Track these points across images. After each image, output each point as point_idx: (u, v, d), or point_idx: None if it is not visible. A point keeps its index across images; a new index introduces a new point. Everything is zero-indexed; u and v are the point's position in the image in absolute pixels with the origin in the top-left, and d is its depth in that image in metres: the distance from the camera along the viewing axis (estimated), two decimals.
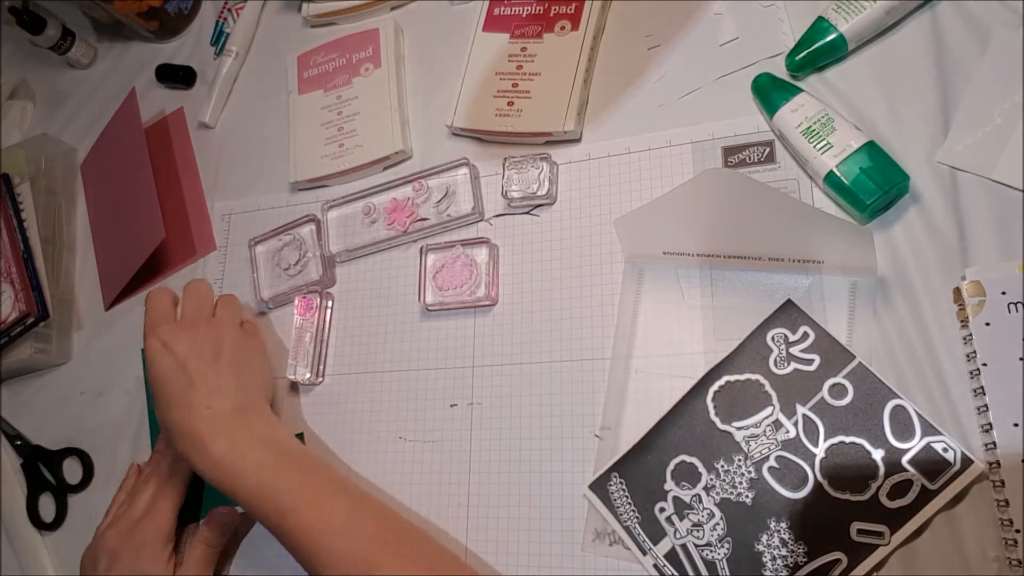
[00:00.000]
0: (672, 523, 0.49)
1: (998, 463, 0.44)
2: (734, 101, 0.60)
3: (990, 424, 0.45)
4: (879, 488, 0.46)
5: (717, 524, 0.48)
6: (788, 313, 0.52)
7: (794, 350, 0.50)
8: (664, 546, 0.49)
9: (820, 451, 0.48)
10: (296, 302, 0.68)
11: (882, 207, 0.53)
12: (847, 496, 0.47)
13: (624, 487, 0.52)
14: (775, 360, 0.51)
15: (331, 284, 0.70)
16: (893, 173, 0.51)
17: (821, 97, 0.56)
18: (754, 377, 0.51)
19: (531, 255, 0.63)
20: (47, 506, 0.76)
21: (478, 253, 0.64)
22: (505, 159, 0.64)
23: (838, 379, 0.49)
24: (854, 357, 0.49)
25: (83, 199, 0.90)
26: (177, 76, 0.87)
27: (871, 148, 0.52)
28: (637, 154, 0.62)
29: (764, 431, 0.49)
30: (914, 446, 0.46)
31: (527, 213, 0.64)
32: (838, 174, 0.52)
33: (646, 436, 0.53)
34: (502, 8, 0.70)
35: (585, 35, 0.65)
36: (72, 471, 0.76)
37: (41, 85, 1.00)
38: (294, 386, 0.68)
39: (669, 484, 0.51)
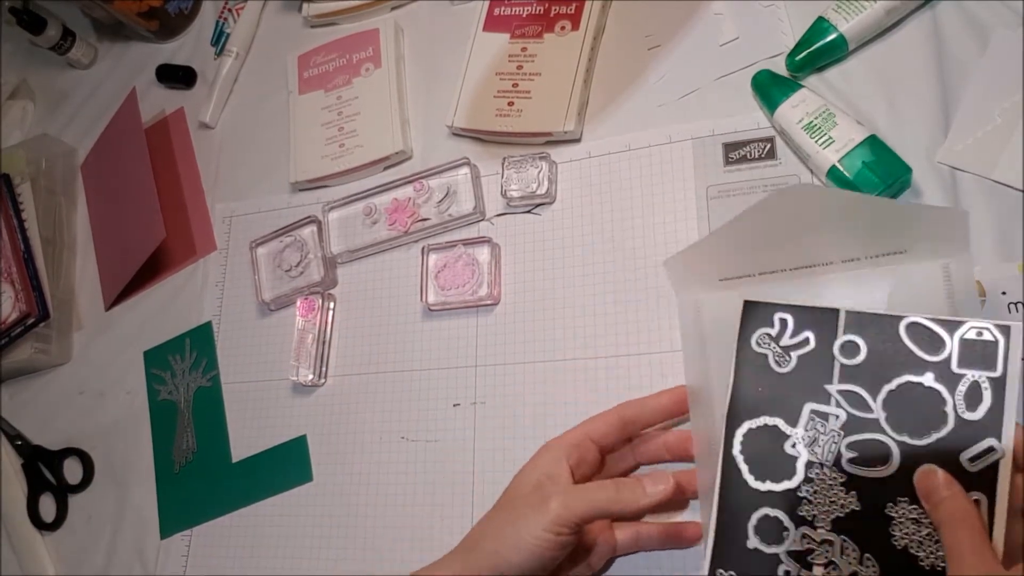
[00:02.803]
0: (809, 568, 0.43)
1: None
2: (734, 101, 0.60)
3: None
4: (955, 409, 0.42)
5: (846, 548, 0.42)
6: (754, 312, 0.47)
7: (785, 341, 0.46)
8: None
9: (879, 412, 0.43)
10: (298, 304, 0.68)
11: None
12: (934, 436, 0.42)
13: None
14: (775, 361, 0.47)
15: (333, 285, 0.70)
16: (896, 166, 0.51)
17: (821, 97, 0.56)
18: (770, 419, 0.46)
19: (533, 254, 0.63)
20: (47, 506, 0.76)
21: (480, 252, 0.64)
22: (504, 159, 0.64)
23: (841, 339, 0.45)
24: (838, 310, 0.46)
25: (83, 199, 0.90)
26: (177, 76, 0.87)
27: (873, 142, 0.52)
28: (637, 151, 0.62)
29: (816, 432, 0.44)
30: (952, 349, 0.42)
31: (528, 212, 0.64)
32: (840, 168, 0.52)
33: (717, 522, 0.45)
34: (502, 8, 0.70)
35: (585, 35, 0.65)
36: (72, 471, 0.76)
37: (41, 85, 1.00)
38: (297, 388, 0.68)
39: (774, 549, 0.44)
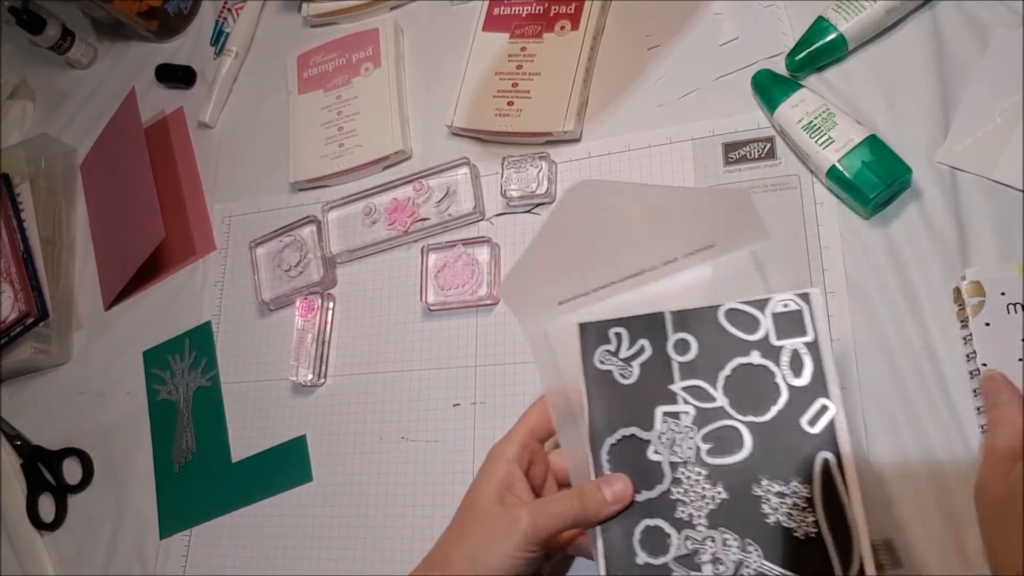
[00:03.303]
0: (698, 569, 0.43)
1: None
2: (734, 101, 0.60)
3: None
4: (784, 379, 0.44)
5: (727, 540, 0.43)
6: (590, 332, 0.48)
7: (623, 353, 0.47)
8: None
9: (722, 399, 0.45)
10: (297, 304, 0.68)
11: (884, 201, 0.53)
12: (774, 409, 0.43)
13: None
14: (619, 375, 0.47)
15: (332, 285, 0.70)
16: (895, 166, 0.51)
17: (821, 97, 0.56)
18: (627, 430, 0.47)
19: None
20: (47, 506, 0.76)
21: (479, 252, 0.64)
22: (504, 158, 0.64)
23: (672, 340, 0.46)
24: (662, 313, 0.47)
25: (83, 199, 0.90)
26: (177, 76, 0.87)
27: (873, 142, 0.52)
28: (637, 151, 0.62)
29: (671, 433, 0.45)
30: (767, 326, 0.44)
31: (528, 212, 0.64)
32: (840, 168, 0.52)
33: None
34: (502, 8, 0.70)
35: (585, 35, 0.65)
36: (72, 471, 0.76)
37: (41, 85, 1.00)
38: (296, 388, 0.68)
39: (662, 559, 0.44)
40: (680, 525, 0.43)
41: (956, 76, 0.54)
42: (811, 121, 0.54)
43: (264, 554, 0.64)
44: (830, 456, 0.41)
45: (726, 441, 0.44)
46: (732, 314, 0.45)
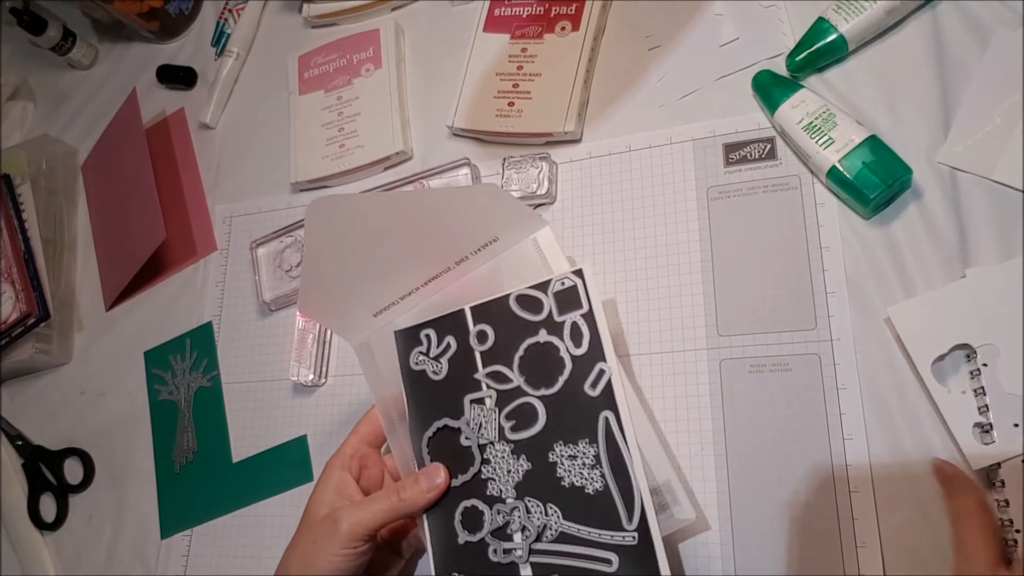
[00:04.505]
0: (510, 540, 0.46)
1: (998, 464, 0.44)
2: (734, 102, 0.60)
3: (990, 424, 0.45)
4: (568, 351, 0.47)
5: (531, 507, 0.46)
6: (404, 338, 0.52)
7: (434, 352, 0.51)
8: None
9: (518, 379, 0.48)
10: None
11: (885, 202, 0.53)
12: (560, 380, 0.47)
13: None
14: (432, 372, 0.51)
15: None
16: (896, 167, 0.51)
17: (822, 98, 0.56)
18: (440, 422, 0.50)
19: None
20: (48, 506, 0.76)
21: None
22: (504, 159, 0.64)
23: (473, 332, 0.50)
24: (462, 309, 0.51)
25: (84, 200, 0.90)
26: (178, 77, 0.87)
27: (873, 142, 0.52)
28: (638, 152, 0.62)
29: (479, 417, 0.49)
30: (550, 305, 0.48)
31: None
32: (841, 169, 0.52)
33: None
34: (503, 8, 0.70)
35: (585, 36, 0.65)
36: (73, 471, 0.76)
37: (42, 86, 1.00)
38: (297, 388, 0.68)
39: (479, 535, 0.47)
40: (492, 501, 0.47)
41: (956, 76, 0.54)
42: (811, 122, 0.54)
43: (265, 554, 0.64)
44: (610, 414, 0.45)
45: (524, 416, 0.48)
46: (521, 299, 0.49)
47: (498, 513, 0.47)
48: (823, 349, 0.52)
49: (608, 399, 0.46)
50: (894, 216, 0.53)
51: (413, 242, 0.50)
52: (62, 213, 0.88)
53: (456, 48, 0.71)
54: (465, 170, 0.67)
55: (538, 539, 0.45)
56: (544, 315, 0.49)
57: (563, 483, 0.46)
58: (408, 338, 0.52)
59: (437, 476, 0.48)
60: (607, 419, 0.45)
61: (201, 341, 0.74)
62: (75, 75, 0.98)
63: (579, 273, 0.48)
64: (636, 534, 0.43)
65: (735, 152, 0.59)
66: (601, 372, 0.46)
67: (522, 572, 0.45)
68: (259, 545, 0.65)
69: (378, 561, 0.50)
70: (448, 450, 0.49)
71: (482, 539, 0.47)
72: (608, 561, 0.44)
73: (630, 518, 0.44)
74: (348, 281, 0.51)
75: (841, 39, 0.56)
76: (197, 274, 0.77)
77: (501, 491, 0.47)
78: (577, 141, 0.65)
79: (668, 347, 0.56)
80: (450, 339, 0.51)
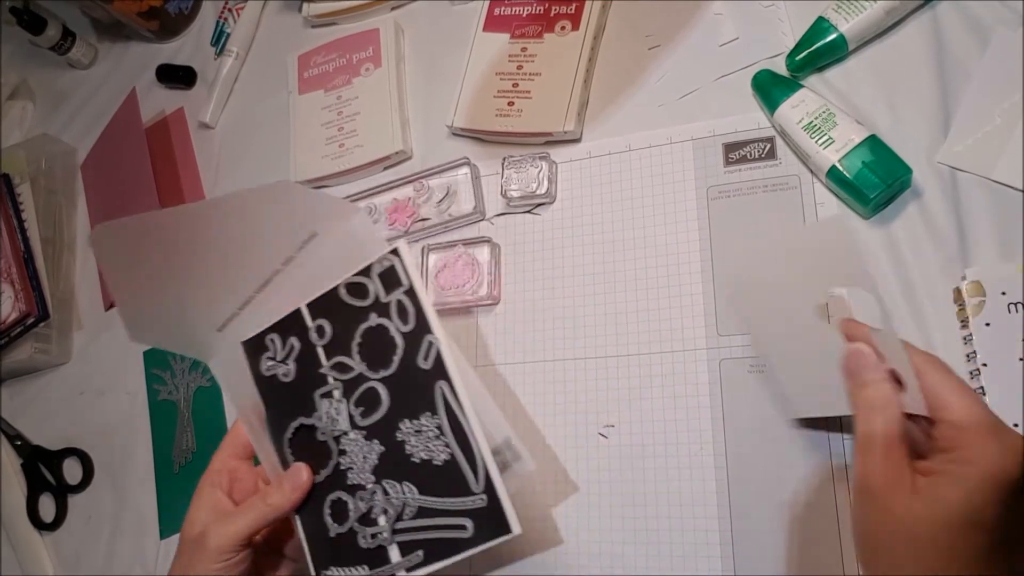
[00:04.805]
0: (375, 524, 0.48)
1: None
2: (734, 101, 0.60)
3: None
4: (397, 329, 0.48)
5: (388, 487, 0.47)
6: (251, 347, 0.53)
7: (280, 355, 0.52)
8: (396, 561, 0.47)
9: (359, 366, 0.49)
10: None
11: (885, 202, 0.53)
12: (395, 359, 0.48)
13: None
14: (282, 375, 0.52)
15: None
16: (896, 166, 0.51)
17: (822, 97, 0.56)
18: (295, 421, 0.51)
19: (533, 253, 0.63)
20: (47, 506, 0.76)
21: (480, 252, 0.64)
22: (504, 159, 0.64)
23: (312, 328, 0.51)
24: (297, 310, 0.51)
25: (83, 199, 0.90)
26: (178, 76, 0.87)
27: (873, 142, 0.52)
28: (638, 151, 0.62)
29: (330, 411, 0.50)
30: (375, 287, 0.49)
31: (528, 212, 0.64)
32: (841, 168, 0.52)
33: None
34: (502, 8, 0.70)
35: (585, 35, 0.65)
36: (72, 471, 0.76)
37: (41, 85, 1.00)
38: None
39: (348, 525, 0.48)
40: (354, 490, 0.48)
41: (956, 76, 0.54)
42: (811, 121, 0.54)
43: None
44: (444, 384, 0.46)
45: (370, 401, 0.49)
46: (350, 287, 0.50)
47: (361, 500, 0.48)
48: None
49: (440, 369, 0.47)
50: (894, 216, 0.53)
51: (230, 251, 0.50)
52: (61, 212, 0.88)
53: (456, 48, 0.71)
54: (465, 169, 0.67)
55: (399, 518, 0.47)
56: (372, 299, 0.49)
57: (413, 459, 0.47)
58: (255, 346, 0.53)
59: (300, 476, 0.49)
60: (442, 389, 0.47)
61: None
62: (75, 74, 0.98)
63: (395, 252, 0.49)
64: (485, 496, 0.45)
65: (735, 152, 0.59)
66: (430, 344, 0.47)
67: (391, 553, 0.47)
68: None
69: (264, 565, 0.51)
70: (308, 448, 0.50)
71: (351, 528, 0.48)
72: (463, 527, 0.45)
73: (477, 481, 0.45)
74: (174, 302, 0.51)
75: (841, 39, 0.56)
76: None
77: (361, 478, 0.48)
78: (577, 141, 0.65)
79: (668, 347, 0.56)
80: (293, 340, 0.52)
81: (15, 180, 0.86)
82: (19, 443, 0.79)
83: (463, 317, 0.63)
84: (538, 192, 0.63)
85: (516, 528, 0.44)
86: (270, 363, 0.52)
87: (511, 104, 0.65)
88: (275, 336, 0.52)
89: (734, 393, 0.53)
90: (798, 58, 0.57)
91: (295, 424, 0.51)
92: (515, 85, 0.66)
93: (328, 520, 0.49)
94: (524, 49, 0.67)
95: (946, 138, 0.53)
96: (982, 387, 0.46)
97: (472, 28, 0.70)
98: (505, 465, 0.46)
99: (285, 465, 0.51)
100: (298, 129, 0.76)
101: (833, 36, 0.56)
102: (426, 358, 0.47)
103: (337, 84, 0.75)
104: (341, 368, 0.50)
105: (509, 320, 0.62)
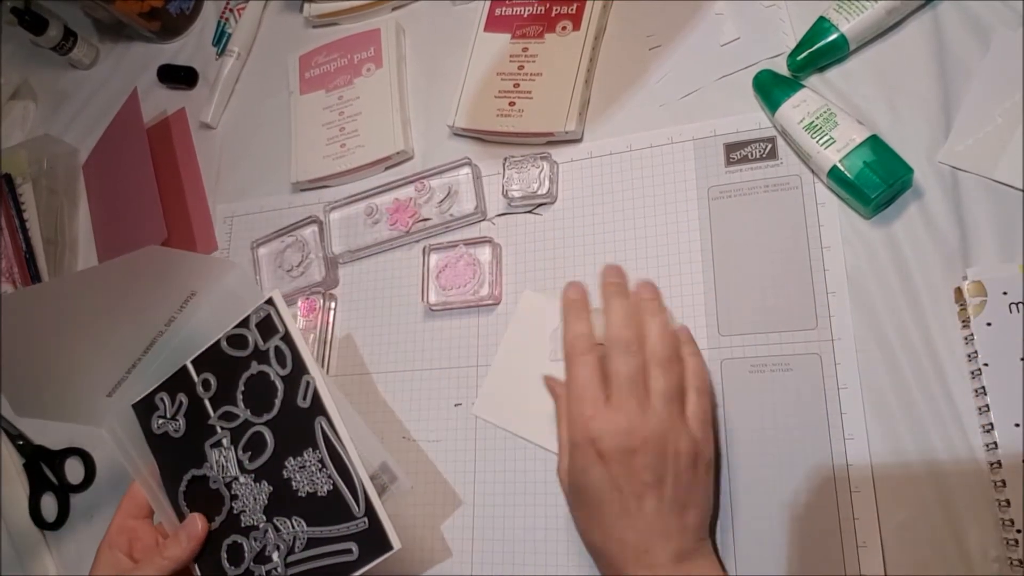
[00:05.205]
0: (269, 561, 0.51)
1: (999, 463, 0.44)
2: (735, 101, 0.60)
3: (991, 424, 0.45)
4: (276, 374, 0.52)
5: (279, 524, 0.51)
6: (141, 408, 0.57)
7: (170, 412, 0.56)
8: None
9: (244, 413, 0.53)
10: (299, 304, 0.68)
11: (886, 202, 0.53)
12: (277, 403, 0.52)
13: None
14: (173, 431, 0.55)
15: (334, 285, 0.70)
16: (897, 166, 0.51)
17: (823, 97, 0.56)
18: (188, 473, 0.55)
19: (534, 254, 0.63)
20: (49, 506, 0.76)
21: (481, 252, 0.64)
22: (505, 159, 0.64)
23: (198, 382, 0.55)
24: (184, 365, 0.55)
25: (85, 199, 0.90)
26: (179, 76, 0.87)
27: (874, 142, 0.52)
28: (639, 151, 0.62)
29: (220, 459, 0.53)
30: (254, 337, 0.54)
31: (529, 212, 0.64)
32: (842, 168, 0.52)
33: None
34: (503, 8, 0.70)
35: (587, 35, 0.65)
36: (74, 471, 0.76)
37: (43, 85, 1.00)
38: None
39: (244, 566, 0.52)
40: (248, 531, 0.52)
41: (957, 76, 0.54)
42: (812, 121, 0.54)
43: None
44: (323, 419, 0.50)
45: (256, 445, 0.53)
46: (231, 339, 0.54)
47: (255, 540, 0.51)
48: (824, 349, 0.52)
49: (318, 406, 0.51)
50: (895, 216, 0.53)
51: (111, 319, 0.53)
52: (63, 213, 0.88)
53: (457, 48, 0.71)
54: (466, 170, 0.67)
55: (291, 551, 0.50)
56: (251, 348, 0.53)
57: (299, 494, 0.50)
58: (145, 407, 0.56)
59: (195, 527, 0.52)
60: (321, 424, 0.50)
61: None
62: (76, 75, 0.98)
63: (270, 301, 0.53)
64: (366, 519, 0.48)
65: (736, 152, 0.59)
66: (308, 384, 0.51)
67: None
68: None
69: None
70: (202, 498, 0.54)
71: (247, 569, 0.51)
72: (349, 551, 0.48)
73: (358, 506, 0.49)
74: (62, 372, 0.53)
75: (842, 39, 0.56)
76: None
77: (253, 519, 0.52)
78: (578, 141, 0.65)
79: None
80: (181, 396, 0.55)
81: (17, 180, 0.86)
82: (21, 443, 0.79)
83: (464, 317, 0.63)
84: (539, 192, 0.63)
85: (396, 543, 0.47)
86: (160, 421, 0.56)
87: (512, 104, 0.65)
88: (164, 395, 0.56)
89: (735, 393, 0.53)
90: (799, 58, 0.57)
91: (188, 476, 0.54)
92: (516, 85, 0.66)
93: (225, 564, 0.52)
94: (525, 49, 0.67)
95: (947, 138, 0.53)
96: (983, 387, 0.46)
97: (473, 28, 0.70)
98: (383, 487, 0.50)
99: (181, 517, 0.54)
100: (299, 129, 0.76)
101: (834, 36, 0.56)
102: (304, 397, 0.51)
103: (338, 84, 0.75)
104: (228, 417, 0.54)
105: (510, 319, 0.62)
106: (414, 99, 0.74)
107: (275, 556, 0.50)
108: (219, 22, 0.88)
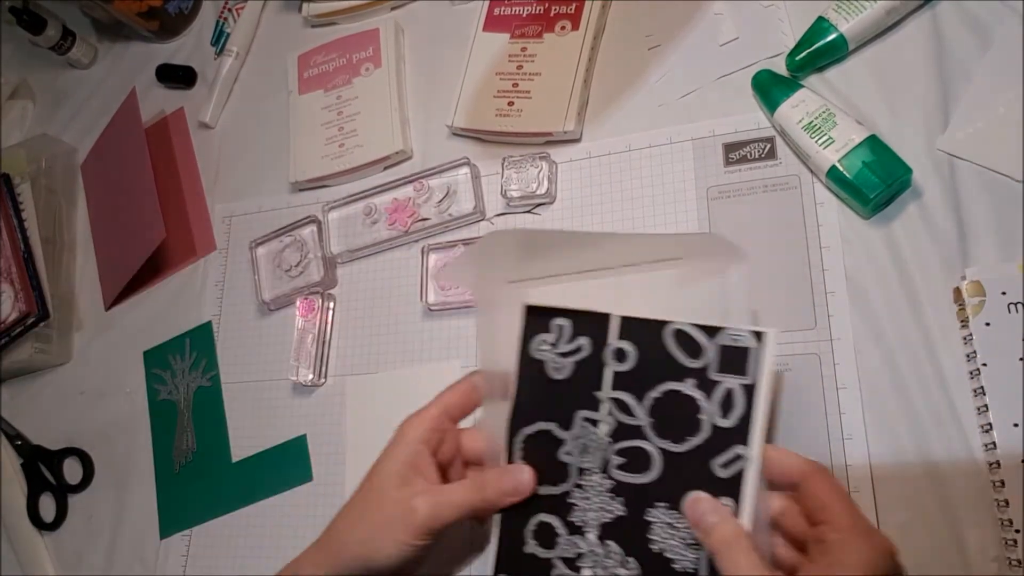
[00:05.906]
0: (578, 572, 0.43)
1: (998, 463, 0.44)
2: (734, 101, 0.60)
3: (990, 424, 0.45)
4: (709, 416, 0.42)
5: (611, 553, 0.43)
6: (535, 317, 0.46)
7: (561, 347, 0.45)
8: None
9: (643, 420, 0.43)
10: (298, 304, 0.68)
11: (884, 201, 0.53)
12: (691, 442, 0.42)
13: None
14: (552, 368, 0.45)
15: (333, 285, 0.70)
16: (895, 166, 0.51)
17: (822, 97, 0.56)
18: (545, 425, 0.46)
19: None
20: (47, 506, 0.76)
21: None
22: (504, 159, 0.64)
23: (612, 345, 0.44)
24: (607, 315, 0.45)
25: (83, 199, 0.90)
26: (177, 76, 0.87)
27: (873, 142, 0.52)
28: (638, 151, 0.62)
29: (587, 439, 0.44)
30: (710, 356, 0.42)
31: (528, 212, 0.64)
32: (841, 168, 0.52)
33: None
34: (502, 8, 0.70)
35: (585, 35, 0.65)
36: (72, 471, 0.76)
37: (41, 85, 1.00)
38: (297, 387, 0.68)
39: (548, 553, 0.44)
40: (572, 528, 0.44)
41: (956, 76, 0.54)
42: (811, 121, 0.54)
43: (264, 554, 0.64)
44: (731, 503, 0.40)
45: (637, 460, 0.43)
46: (679, 335, 0.43)
47: (574, 544, 0.44)
48: (823, 349, 0.52)
49: (733, 487, 0.40)
50: (894, 215, 0.53)
51: (596, 237, 0.47)
52: (61, 212, 0.88)
53: (456, 47, 0.71)
54: (465, 169, 0.67)
55: None
56: (699, 364, 0.42)
57: (652, 546, 0.42)
58: (538, 320, 0.46)
59: (523, 481, 0.44)
60: (726, 508, 0.41)
61: (200, 341, 0.74)
62: (74, 74, 0.98)
63: (760, 336, 0.41)
64: None
65: (735, 152, 0.59)
66: (737, 457, 0.41)
67: None
68: (258, 545, 0.65)
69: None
70: (543, 456, 0.45)
71: (550, 560, 0.44)
72: None
73: None
74: (508, 245, 0.47)
75: (841, 39, 0.56)
76: (196, 274, 0.77)
77: (585, 523, 0.44)
78: (577, 141, 0.65)
79: None
80: (584, 341, 0.45)
81: (15, 180, 0.85)
82: (19, 443, 0.79)
83: (463, 317, 0.63)
84: (538, 192, 0.63)
85: None
86: (545, 347, 0.46)
87: (511, 104, 0.65)
88: (566, 324, 0.45)
89: None
90: (798, 58, 0.57)
91: (543, 426, 0.45)
92: (515, 85, 0.66)
93: (529, 535, 0.44)
94: (524, 49, 0.67)
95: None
96: (982, 387, 0.46)
97: (472, 28, 0.70)
98: None
99: (510, 456, 0.45)
100: (298, 129, 0.76)
101: (833, 36, 0.56)
102: (725, 467, 0.41)
103: (337, 84, 0.75)
104: (622, 407, 0.44)
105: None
106: (413, 99, 0.74)
107: (587, 573, 0.43)
108: (218, 22, 0.88)
